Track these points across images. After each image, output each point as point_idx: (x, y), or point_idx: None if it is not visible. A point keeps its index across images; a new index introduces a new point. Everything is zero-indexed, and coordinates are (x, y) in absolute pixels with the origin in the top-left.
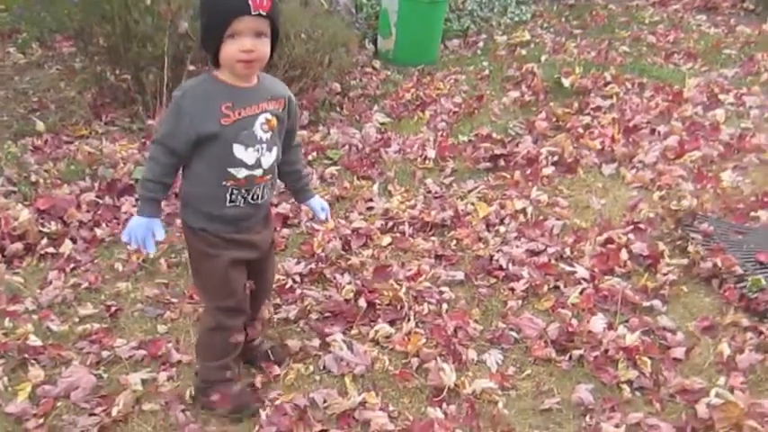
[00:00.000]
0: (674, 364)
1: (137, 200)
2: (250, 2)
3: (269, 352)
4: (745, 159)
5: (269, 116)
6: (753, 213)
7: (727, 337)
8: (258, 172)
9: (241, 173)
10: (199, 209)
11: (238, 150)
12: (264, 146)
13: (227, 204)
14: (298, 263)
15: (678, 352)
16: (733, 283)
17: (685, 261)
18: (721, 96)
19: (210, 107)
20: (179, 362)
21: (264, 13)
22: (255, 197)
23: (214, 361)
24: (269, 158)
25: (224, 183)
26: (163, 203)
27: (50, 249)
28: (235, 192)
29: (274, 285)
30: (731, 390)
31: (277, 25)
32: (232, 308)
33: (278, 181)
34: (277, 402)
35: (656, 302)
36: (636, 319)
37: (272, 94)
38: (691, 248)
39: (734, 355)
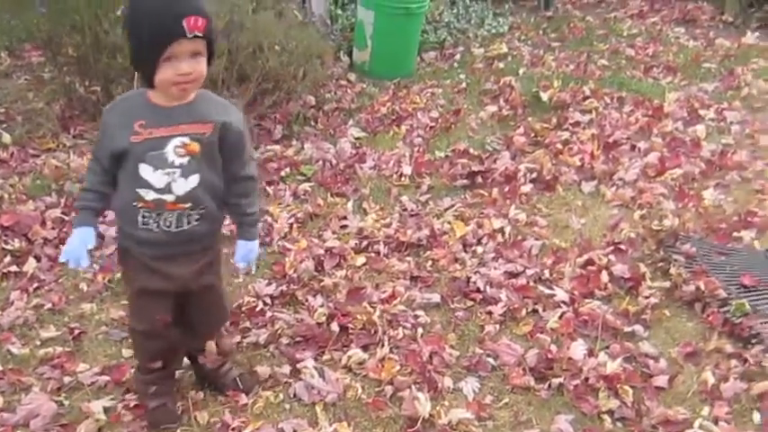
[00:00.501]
0: (657, 393)
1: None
2: (185, 24)
3: (237, 380)
4: (727, 177)
5: (186, 140)
6: (736, 233)
7: (711, 365)
8: (169, 198)
9: (149, 195)
10: (121, 225)
11: (145, 171)
12: (178, 171)
13: (140, 226)
14: (269, 284)
15: (661, 380)
16: (716, 307)
17: (667, 284)
18: (702, 111)
19: (126, 123)
20: None
21: (201, 35)
22: (169, 224)
23: (139, 373)
24: (185, 185)
25: (134, 203)
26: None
27: (13, 268)
28: (146, 214)
29: (243, 308)
30: (716, 420)
31: (213, 43)
32: (143, 332)
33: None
34: (249, 429)
35: (638, 327)
36: (617, 344)
37: (198, 117)
38: (673, 271)
39: (718, 384)
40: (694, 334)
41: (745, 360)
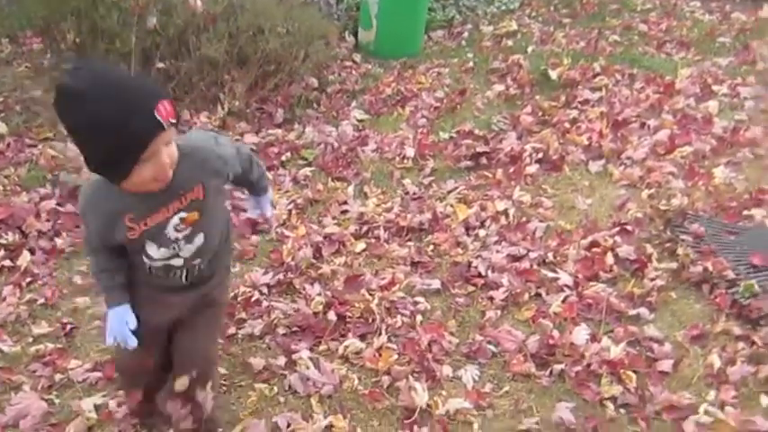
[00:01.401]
0: (661, 377)
1: None
2: (159, 118)
3: None
4: (739, 154)
5: (183, 215)
6: (746, 212)
7: (718, 348)
8: (177, 262)
9: (156, 264)
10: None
11: (151, 249)
12: (182, 242)
13: (149, 277)
14: (265, 273)
15: (665, 364)
16: (724, 288)
17: (674, 265)
18: (715, 87)
19: (113, 221)
20: None
21: (174, 120)
22: (179, 277)
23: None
24: (191, 248)
25: (142, 266)
26: None
27: (7, 262)
28: (154, 271)
29: (239, 299)
30: (722, 405)
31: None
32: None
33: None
34: (238, 428)
35: (643, 310)
36: (621, 328)
37: (186, 187)
38: (680, 251)
39: (725, 367)
40: (701, 316)
41: (753, 342)
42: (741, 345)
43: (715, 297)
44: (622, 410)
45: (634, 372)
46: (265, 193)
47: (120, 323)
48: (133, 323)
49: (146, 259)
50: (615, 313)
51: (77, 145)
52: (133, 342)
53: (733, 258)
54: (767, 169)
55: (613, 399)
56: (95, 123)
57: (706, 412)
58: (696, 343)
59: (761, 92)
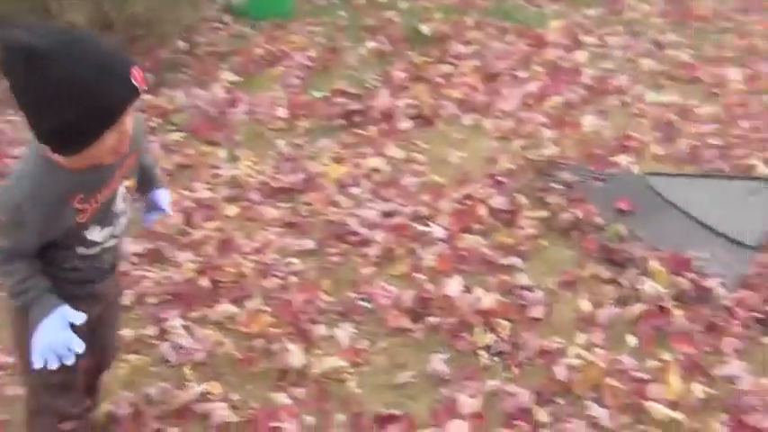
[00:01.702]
0: (533, 324)
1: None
2: (135, 83)
3: None
4: (607, 102)
5: (127, 183)
6: (612, 158)
7: (587, 292)
8: (111, 243)
9: (93, 249)
10: None
11: (93, 233)
12: (122, 214)
13: (68, 271)
14: (134, 242)
15: (537, 311)
16: (593, 233)
17: (545, 213)
18: (584, 38)
19: (62, 208)
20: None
21: (145, 88)
22: (103, 263)
23: None
24: (123, 222)
25: (66, 263)
26: None
27: None
28: (80, 265)
29: None
30: (591, 347)
31: None
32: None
33: None
34: (108, 401)
35: (515, 259)
36: (493, 278)
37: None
38: (551, 200)
39: (594, 311)
40: (571, 262)
41: (620, 285)
42: (609, 288)
43: (584, 243)
44: (496, 358)
45: (507, 320)
46: (161, 186)
47: (63, 326)
48: (81, 317)
49: (82, 249)
50: (488, 264)
51: (31, 111)
52: (80, 344)
53: (601, 204)
54: (633, 116)
55: (487, 347)
56: (69, 86)
57: (576, 355)
58: (567, 289)
59: (628, 41)
